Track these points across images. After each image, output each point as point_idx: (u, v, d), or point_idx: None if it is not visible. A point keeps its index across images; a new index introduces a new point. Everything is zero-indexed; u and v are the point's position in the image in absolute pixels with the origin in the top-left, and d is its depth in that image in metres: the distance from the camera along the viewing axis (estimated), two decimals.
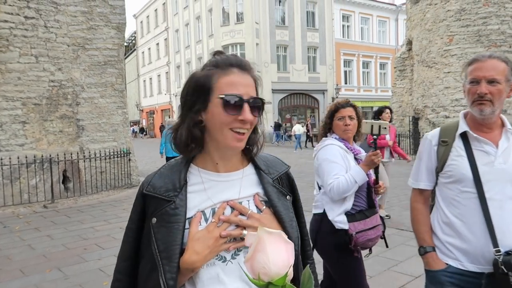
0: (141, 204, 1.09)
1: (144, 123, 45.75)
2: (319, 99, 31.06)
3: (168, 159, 10.62)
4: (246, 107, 1.01)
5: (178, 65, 36.89)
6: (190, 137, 1.05)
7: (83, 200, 8.31)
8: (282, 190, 1.16)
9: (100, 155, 8.89)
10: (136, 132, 41.75)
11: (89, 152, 8.83)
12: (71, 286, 3.83)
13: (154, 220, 1.03)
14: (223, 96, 1.00)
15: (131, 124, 33.26)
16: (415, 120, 15.52)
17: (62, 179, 8.55)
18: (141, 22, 44.65)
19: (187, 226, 1.01)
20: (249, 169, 1.14)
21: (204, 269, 0.99)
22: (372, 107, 34.57)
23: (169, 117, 37.73)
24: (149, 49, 43.23)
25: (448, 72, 13.59)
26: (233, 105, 1.00)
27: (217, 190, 1.06)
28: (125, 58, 31.28)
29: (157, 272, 0.98)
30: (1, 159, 7.59)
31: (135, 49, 47.32)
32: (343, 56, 32.13)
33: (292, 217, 1.13)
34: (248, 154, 1.15)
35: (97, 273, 4.15)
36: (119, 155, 9.35)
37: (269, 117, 28.50)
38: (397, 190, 8.47)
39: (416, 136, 15.33)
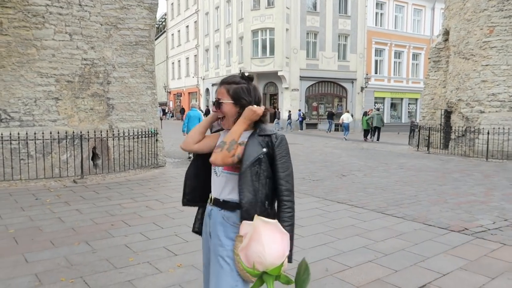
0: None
1: (171, 105, 46.26)
2: (348, 88, 30.51)
3: None
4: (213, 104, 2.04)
5: (206, 48, 36.90)
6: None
7: (111, 177, 8.49)
8: (261, 142, 1.91)
9: (129, 134, 9.03)
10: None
11: (118, 131, 8.98)
12: (98, 260, 3.92)
13: None
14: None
15: (159, 105, 33.69)
16: (448, 114, 15.03)
17: (91, 156, 8.75)
18: (172, 4, 44.76)
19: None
20: (248, 132, 1.98)
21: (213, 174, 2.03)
22: (402, 99, 33.73)
23: (196, 100, 38.01)
24: (179, 31, 43.40)
25: (486, 65, 13.02)
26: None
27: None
28: (155, 40, 31.44)
29: None
30: (35, 134, 7.82)
31: (165, 31, 47.63)
32: (375, 45, 31.31)
33: (255, 155, 1.85)
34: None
35: (123, 249, 4.24)
36: (146, 135, 9.48)
37: (295, 104, 28.25)
38: (425, 185, 8.25)
39: (447, 130, 14.86)
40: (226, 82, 2.01)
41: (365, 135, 21.36)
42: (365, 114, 21.97)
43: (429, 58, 16.63)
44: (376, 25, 31.41)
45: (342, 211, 6.01)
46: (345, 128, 21.52)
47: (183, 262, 3.88)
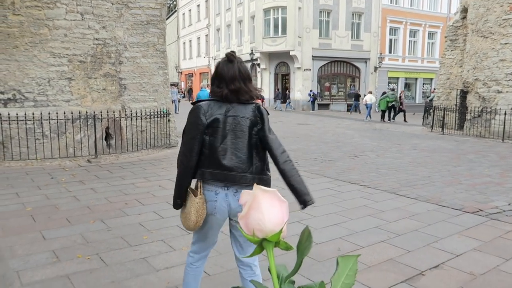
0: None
1: (182, 85, 46.22)
2: (361, 68, 30.00)
3: None
4: None
5: (218, 28, 36.51)
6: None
7: (124, 157, 8.58)
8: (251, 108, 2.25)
9: (141, 114, 9.06)
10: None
11: (131, 111, 9.02)
12: (113, 238, 3.99)
13: None
14: None
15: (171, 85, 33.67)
16: (463, 94, 14.71)
17: (105, 136, 8.83)
18: None
19: None
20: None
21: None
22: (416, 79, 33.12)
23: (207, 81, 37.91)
24: (190, 10, 42.94)
25: (506, 44, 12.63)
26: None
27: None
28: (166, 19, 31.19)
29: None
30: (49, 114, 7.90)
31: (176, 11, 47.17)
32: (390, 23, 30.56)
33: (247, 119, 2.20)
34: None
35: (137, 227, 4.30)
36: (159, 115, 9.51)
37: (307, 84, 27.96)
38: (439, 166, 8.15)
39: (462, 111, 14.58)
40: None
41: (383, 116, 21.22)
42: (383, 94, 21.74)
43: (445, 37, 16.19)
44: (391, 3, 30.58)
45: (355, 192, 5.99)
46: (368, 108, 21.68)
47: None
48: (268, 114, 2.25)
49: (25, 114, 7.75)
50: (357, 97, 27.07)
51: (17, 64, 7.94)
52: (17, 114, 7.68)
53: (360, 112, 26.29)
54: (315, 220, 4.62)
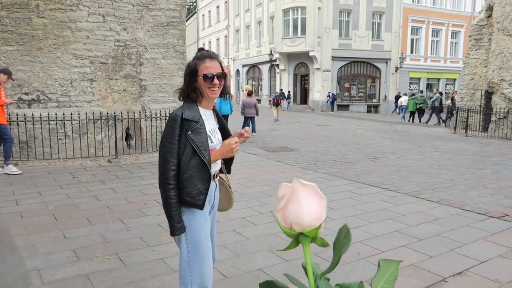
0: (180, 125, 2.03)
1: None
2: (382, 68, 29.59)
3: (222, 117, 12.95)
4: (215, 77, 2.09)
5: (237, 28, 36.63)
6: (196, 94, 2.14)
7: (143, 157, 8.67)
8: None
9: (161, 115, 9.15)
10: None
11: (150, 112, 9.11)
12: (132, 238, 4.02)
13: (189, 132, 2.03)
14: (202, 75, 2.08)
15: None
16: (488, 95, 14.30)
17: (125, 136, 8.95)
18: None
19: (208, 134, 2.12)
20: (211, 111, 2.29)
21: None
22: (439, 79, 32.45)
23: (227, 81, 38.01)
24: (209, 11, 43.22)
25: None
26: (208, 78, 2.08)
27: (209, 120, 2.19)
28: (186, 21, 31.44)
29: (198, 156, 2.02)
30: (71, 114, 8.05)
31: (195, 12, 47.55)
32: (411, 23, 30.05)
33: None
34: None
35: (156, 228, 4.33)
36: None
37: (327, 85, 27.73)
38: (462, 169, 7.94)
39: (487, 112, 14.17)
40: (217, 56, 2.19)
41: (410, 117, 21.26)
42: (412, 95, 21.69)
43: (469, 36, 15.78)
44: (413, 2, 30.05)
45: (375, 194, 5.88)
46: (403, 110, 21.97)
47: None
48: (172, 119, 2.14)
49: (48, 114, 7.93)
50: (397, 98, 25.55)
51: (41, 66, 8.13)
52: (40, 115, 7.86)
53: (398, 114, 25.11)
54: (333, 223, 4.55)
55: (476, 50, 15.29)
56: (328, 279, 0.72)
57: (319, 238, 0.68)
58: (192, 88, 2.12)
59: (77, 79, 8.43)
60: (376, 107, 30.15)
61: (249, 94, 14.45)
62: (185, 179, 2.02)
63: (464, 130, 14.36)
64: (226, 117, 13.89)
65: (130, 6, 8.95)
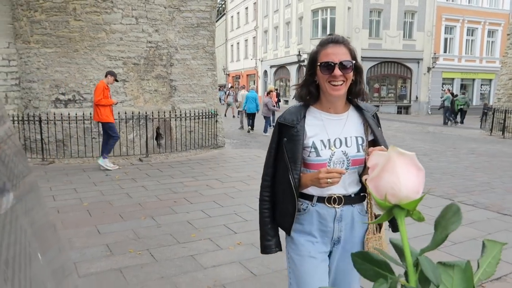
0: (277, 130, 1.71)
1: (229, 86, 46.90)
2: (413, 68, 28.85)
3: (248, 115, 14.55)
4: (336, 67, 1.58)
5: (265, 29, 36.67)
6: (307, 92, 1.70)
7: (173, 156, 8.81)
8: (377, 122, 1.79)
9: (190, 115, 9.27)
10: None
11: (180, 112, 9.25)
12: (163, 234, 4.09)
13: (285, 139, 1.67)
14: (319, 63, 1.62)
15: (219, 87, 34.39)
16: None
17: (155, 136, 9.12)
18: None
19: (305, 144, 1.65)
20: (352, 111, 1.74)
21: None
22: (474, 80, 31.35)
23: (254, 83, 38.18)
24: (238, 13, 43.48)
25: None
26: (327, 68, 1.60)
27: (330, 126, 1.68)
28: (215, 22, 31.79)
29: (288, 172, 1.63)
30: None
31: (224, 13, 47.98)
32: (445, 21, 29.14)
33: (384, 142, 1.71)
34: (352, 103, 1.76)
35: (186, 225, 4.39)
36: (207, 116, 9.68)
37: None
38: (500, 172, 7.63)
39: None
40: (344, 41, 1.66)
41: (455, 117, 20.79)
42: (455, 96, 21.19)
43: (508, 35, 15.17)
44: (447, 0, 29.17)
45: None
46: (449, 111, 21.40)
47: (242, 240, 3.93)
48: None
49: (83, 114, 8.19)
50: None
51: (77, 67, 8.41)
52: (76, 114, 8.13)
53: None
54: None
55: None
56: None
57: (416, 212, 0.62)
58: (309, 82, 1.68)
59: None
60: (406, 108, 29.43)
61: (269, 93, 15.27)
62: (279, 194, 1.72)
63: (501, 132, 13.80)
64: (253, 115, 14.19)
65: (162, 8, 9.13)
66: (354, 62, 1.62)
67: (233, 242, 3.90)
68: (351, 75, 1.63)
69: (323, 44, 1.64)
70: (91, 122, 8.27)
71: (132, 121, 8.68)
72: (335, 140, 1.65)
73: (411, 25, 28.52)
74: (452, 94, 20.19)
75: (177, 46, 9.44)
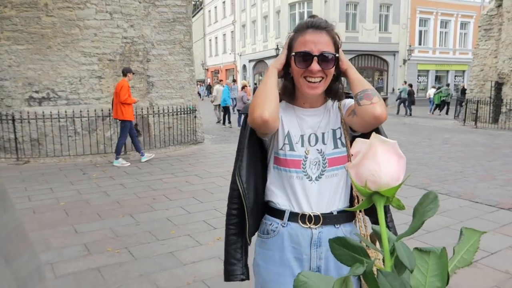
0: (246, 123, 1.39)
1: (209, 82, 46.62)
2: (389, 61, 29.32)
3: (223, 108, 14.95)
4: (314, 60, 1.26)
5: (243, 24, 36.55)
6: (282, 87, 1.40)
7: (152, 153, 8.72)
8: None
9: (168, 111, 9.20)
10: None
11: (158, 108, 9.17)
12: (142, 232, 4.08)
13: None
14: (294, 53, 1.30)
15: (197, 82, 34.10)
16: (498, 86, 14.11)
17: None
18: None
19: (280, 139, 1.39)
20: (331, 103, 1.44)
21: (295, 179, 1.34)
22: (448, 71, 32.09)
23: (233, 77, 38.05)
24: (215, 7, 43.16)
25: None
26: (303, 60, 1.27)
27: (305, 121, 1.39)
28: (192, 17, 31.53)
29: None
30: (81, 112, 8.14)
31: (201, 8, 47.53)
32: (419, 14, 29.67)
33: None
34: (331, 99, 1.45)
35: (165, 222, 4.38)
36: (185, 112, 9.62)
37: None
38: (472, 161, 7.87)
39: (497, 103, 14.00)
40: (328, 26, 1.32)
41: (437, 109, 21.60)
42: (438, 89, 21.91)
43: (479, 27, 15.57)
44: None
45: None
46: (431, 102, 22.32)
47: (222, 235, 3.93)
48: None
49: (58, 112, 8.02)
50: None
51: (50, 64, 8.21)
52: (51, 112, 7.95)
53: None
54: None
55: (486, 40, 15.08)
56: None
57: (396, 199, 0.62)
58: (283, 75, 1.39)
59: (86, 76, 8.51)
60: (384, 100, 29.96)
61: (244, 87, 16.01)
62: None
63: (474, 122, 14.21)
64: (227, 108, 14.45)
65: (136, 3, 8.99)
66: (337, 55, 1.30)
67: (212, 237, 3.92)
68: (332, 70, 1.31)
69: (301, 29, 1.31)
70: (66, 120, 8.11)
71: (109, 118, 8.55)
72: (310, 136, 1.37)
73: (386, 18, 28.93)
74: (410, 85, 21.44)
75: (154, 41, 9.33)
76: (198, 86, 33.38)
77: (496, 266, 3.29)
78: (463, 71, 32.21)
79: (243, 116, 1.45)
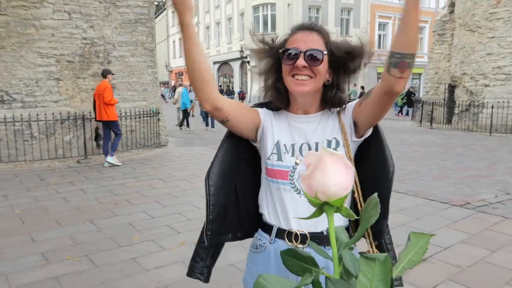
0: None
1: (173, 84, 46.01)
2: None
3: (182, 111, 14.92)
4: (301, 56, 1.23)
5: (207, 25, 36.40)
6: (275, 91, 1.33)
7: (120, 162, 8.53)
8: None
9: (131, 114, 9.02)
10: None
11: (120, 111, 8.96)
12: (103, 239, 3.98)
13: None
14: (282, 50, 1.27)
15: (160, 84, 33.57)
16: (451, 88, 14.86)
17: (94, 136, 8.77)
18: None
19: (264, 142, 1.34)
20: (328, 112, 1.35)
21: (282, 192, 1.27)
22: None
23: None
24: None
25: (492, 37, 12.77)
26: (290, 57, 1.24)
27: (297, 129, 1.32)
28: (155, 18, 31.02)
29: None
30: (37, 115, 7.83)
31: (165, 9, 46.86)
32: (378, 18, 30.73)
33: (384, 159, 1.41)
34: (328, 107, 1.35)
35: (127, 228, 4.30)
36: (148, 115, 9.46)
37: None
38: (428, 160, 8.25)
39: (451, 105, 14.73)
40: (319, 28, 1.32)
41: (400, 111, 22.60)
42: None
43: (433, 31, 16.33)
44: None
45: None
46: (396, 105, 23.28)
47: (186, 239, 3.94)
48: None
49: (13, 115, 7.68)
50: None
51: (4, 65, 7.84)
52: (5, 116, 7.59)
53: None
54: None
55: (440, 45, 15.84)
56: (352, 248, 0.69)
57: (344, 209, 0.65)
58: (277, 79, 1.33)
59: (43, 78, 8.19)
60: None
61: None
62: None
63: (429, 123, 14.87)
64: (186, 111, 14.46)
65: (96, 3, 8.76)
66: (325, 52, 1.26)
67: (176, 242, 3.90)
68: (321, 69, 1.25)
69: (293, 30, 1.32)
70: (22, 124, 7.77)
71: (68, 122, 8.28)
72: (301, 146, 1.29)
73: (347, 22, 29.75)
74: (362, 87, 22.67)
75: (115, 42, 9.11)
76: (162, 88, 32.86)
77: (448, 260, 3.48)
78: (420, 74, 33.59)
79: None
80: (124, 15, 9.21)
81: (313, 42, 1.25)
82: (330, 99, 1.30)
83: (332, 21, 28.80)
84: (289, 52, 1.24)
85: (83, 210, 4.92)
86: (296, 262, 0.67)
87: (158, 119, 9.82)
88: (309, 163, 0.66)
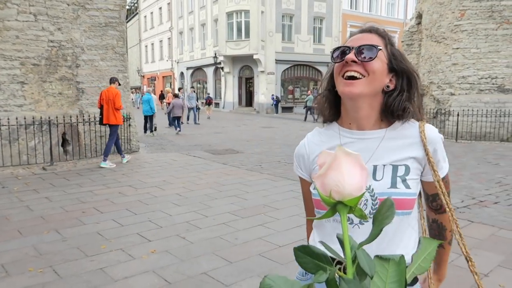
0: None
1: (145, 89, 45.33)
2: (323, 71, 30.60)
3: (145, 117, 14.72)
4: (352, 52, 1.07)
5: (180, 31, 36.16)
6: (327, 102, 1.19)
7: (82, 163, 8.27)
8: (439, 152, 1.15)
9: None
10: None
11: (89, 116, 8.71)
12: (69, 248, 3.81)
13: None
14: (332, 49, 1.13)
15: (132, 90, 32.91)
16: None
17: (61, 142, 8.47)
18: None
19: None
20: (394, 129, 1.13)
21: (330, 224, 1.13)
22: None
23: (170, 84, 37.39)
24: (152, 13, 42.27)
25: (457, 48, 13.27)
26: (340, 55, 1.10)
27: (350, 148, 1.13)
28: (127, 22, 30.53)
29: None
30: (0, 120, 7.48)
31: (137, 13, 46.27)
32: (350, 28, 31.41)
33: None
34: (391, 118, 1.12)
35: (95, 237, 4.14)
36: None
37: (271, 88, 28.19)
38: None
39: None
40: (378, 31, 1.15)
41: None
42: None
43: (402, 42, 16.81)
44: (351, 8, 31.48)
45: None
46: None
47: (157, 248, 3.83)
48: None
49: None
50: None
51: None
52: None
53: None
54: (278, 223, 4.63)
55: (408, 54, 16.31)
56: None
57: (358, 209, 0.64)
58: (329, 88, 1.20)
59: (6, 81, 7.86)
60: (311, 108, 31.20)
61: (176, 95, 16.29)
62: None
63: None
64: (149, 118, 14.35)
65: (64, 5, 8.51)
66: (380, 47, 1.08)
67: (146, 250, 3.78)
68: (374, 66, 1.06)
69: (351, 35, 1.18)
70: None
71: (33, 127, 7.97)
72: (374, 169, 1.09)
73: (320, 30, 30.26)
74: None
75: (84, 46, 8.87)
76: (133, 93, 32.26)
77: None
78: None
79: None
80: (93, 18, 9.00)
81: (367, 39, 1.09)
82: (390, 104, 1.09)
83: (305, 29, 29.22)
84: (340, 50, 1.10)
85: (47, 219, 4.71)
86: (309, 259, 0.66)
87: (129, 125, 9.61)
88: (323, 162, 0.66)
